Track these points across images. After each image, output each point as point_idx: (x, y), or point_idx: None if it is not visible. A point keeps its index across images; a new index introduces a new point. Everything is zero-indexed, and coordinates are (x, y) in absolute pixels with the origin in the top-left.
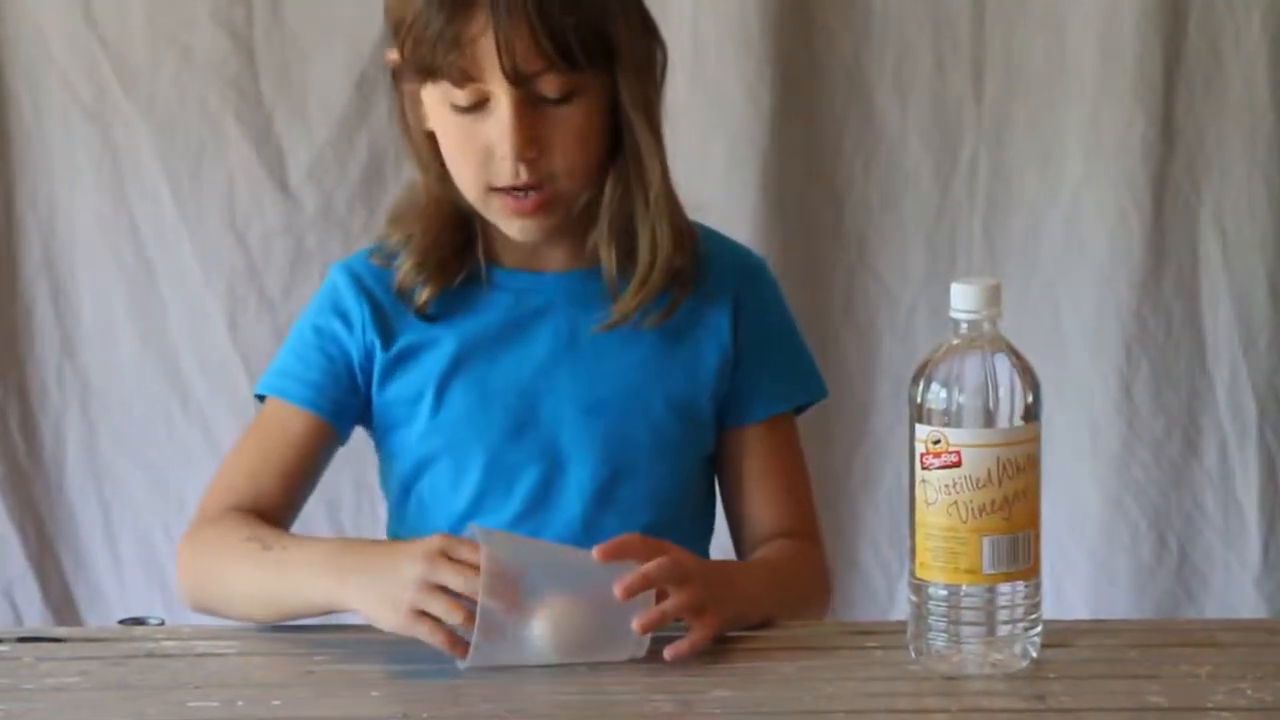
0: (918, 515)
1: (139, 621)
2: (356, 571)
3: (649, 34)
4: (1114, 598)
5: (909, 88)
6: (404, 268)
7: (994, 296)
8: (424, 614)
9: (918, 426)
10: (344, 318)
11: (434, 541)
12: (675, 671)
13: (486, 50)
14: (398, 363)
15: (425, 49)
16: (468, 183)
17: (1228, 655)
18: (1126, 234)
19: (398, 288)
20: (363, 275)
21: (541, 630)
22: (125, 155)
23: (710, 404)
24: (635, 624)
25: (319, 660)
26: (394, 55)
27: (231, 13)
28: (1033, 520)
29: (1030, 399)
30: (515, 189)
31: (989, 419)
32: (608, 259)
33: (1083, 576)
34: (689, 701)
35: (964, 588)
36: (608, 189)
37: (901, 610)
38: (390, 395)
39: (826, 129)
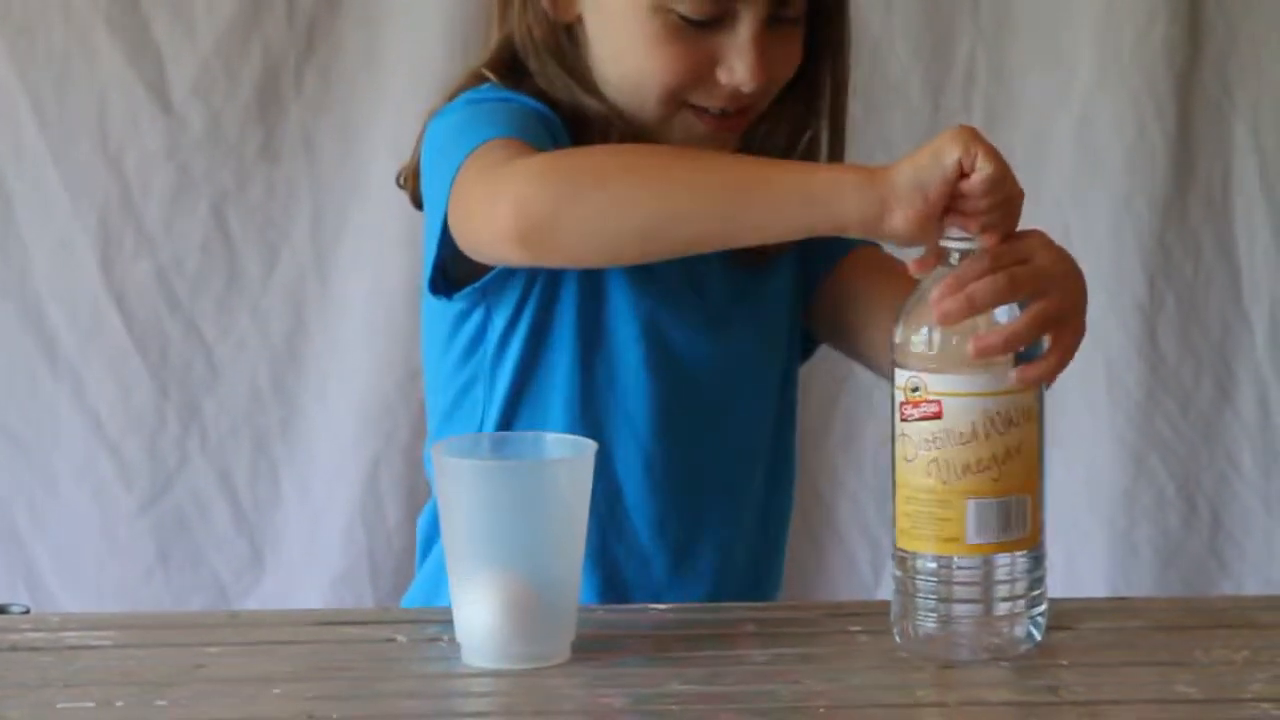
0: (897, 474)
1: (0, 610)
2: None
3: None
4: (1137, 572)
5: None
6: None
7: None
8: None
9: (897, 371)
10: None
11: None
12: (626, 661)
13: None
14: (583, 273)
15: None
16: (656, 90)
17: (1268, 637)
18: (1147, 148)
19: None
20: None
21: None
22: None
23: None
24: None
25: (211, 653)
26: None
27: None
28: (1029, 483)
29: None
30: (722, 110)
31: (970, 363)
32: None
33: (1100, 548)
34: (641, 696)
35: (955, 559)
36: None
37: (890, 588)
38: (556, 301)
39: None
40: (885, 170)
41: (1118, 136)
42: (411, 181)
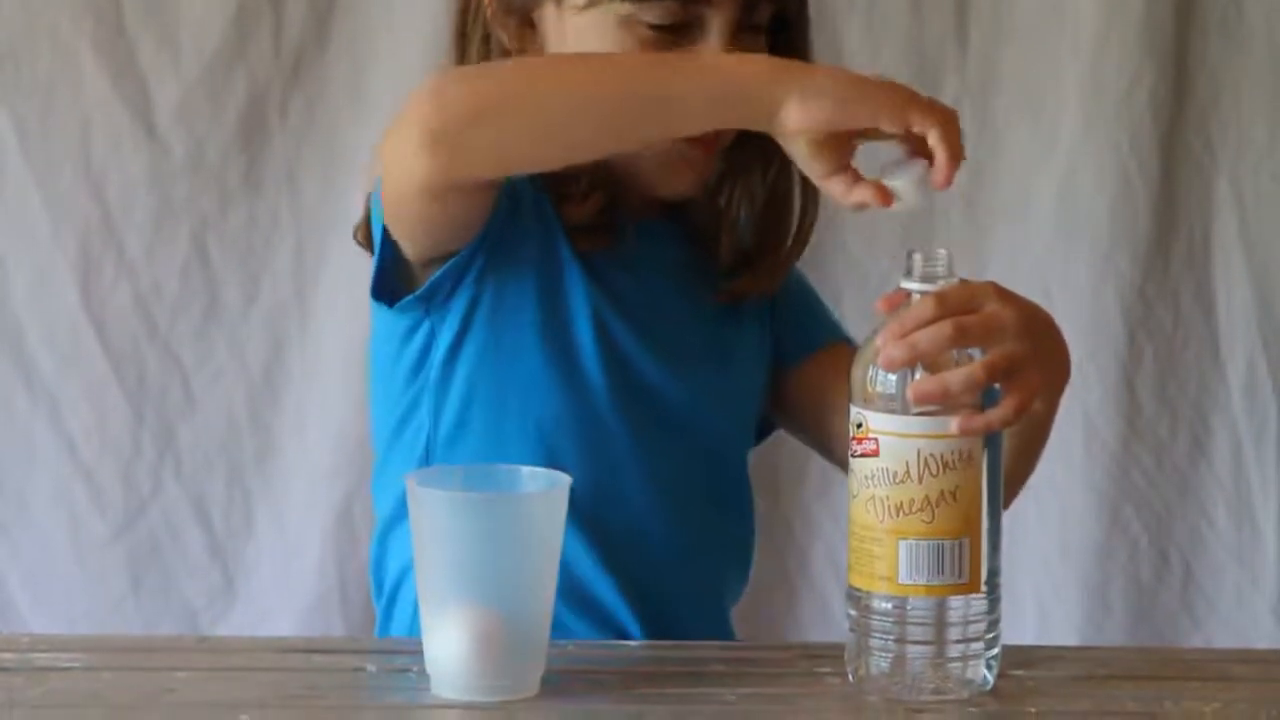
0: (848, 509)
1: None
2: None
3: None
4: (1109, 623)
5: (882, 29)
6: (582, 203)
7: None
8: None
9: (850, 407)
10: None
11: None
12: (594, 697)
13: None
14: (544, 294)
15: None
16: None
17: (1238, 690)
18: (1130, 202)
19: (566, 222)
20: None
21: None
22: None
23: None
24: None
25: (180, 678)
26: None
27: None
28: (968, 528)
29: None
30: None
31: (909, 404)
32: (732, 225)
33: (1072, 599)
34: None
35: (907, 599)
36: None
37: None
38: (511, 321)
39: None
40: (805, 67)
41: (1101, 191)
42: (363, 231)
